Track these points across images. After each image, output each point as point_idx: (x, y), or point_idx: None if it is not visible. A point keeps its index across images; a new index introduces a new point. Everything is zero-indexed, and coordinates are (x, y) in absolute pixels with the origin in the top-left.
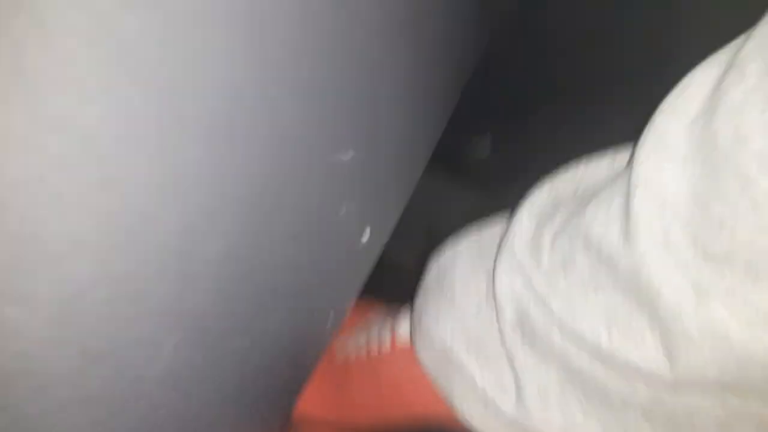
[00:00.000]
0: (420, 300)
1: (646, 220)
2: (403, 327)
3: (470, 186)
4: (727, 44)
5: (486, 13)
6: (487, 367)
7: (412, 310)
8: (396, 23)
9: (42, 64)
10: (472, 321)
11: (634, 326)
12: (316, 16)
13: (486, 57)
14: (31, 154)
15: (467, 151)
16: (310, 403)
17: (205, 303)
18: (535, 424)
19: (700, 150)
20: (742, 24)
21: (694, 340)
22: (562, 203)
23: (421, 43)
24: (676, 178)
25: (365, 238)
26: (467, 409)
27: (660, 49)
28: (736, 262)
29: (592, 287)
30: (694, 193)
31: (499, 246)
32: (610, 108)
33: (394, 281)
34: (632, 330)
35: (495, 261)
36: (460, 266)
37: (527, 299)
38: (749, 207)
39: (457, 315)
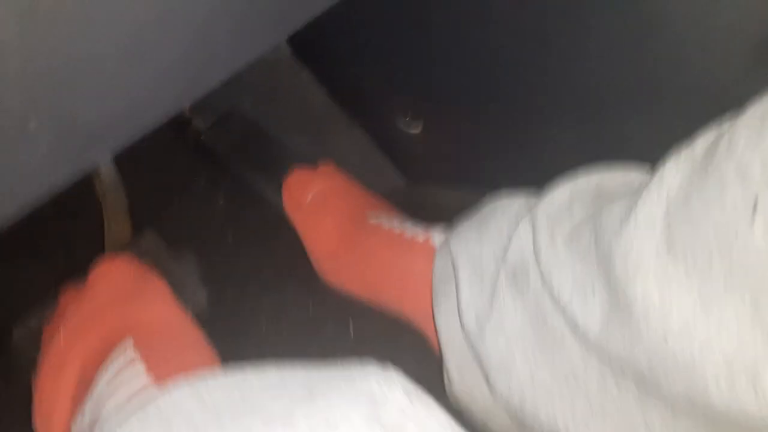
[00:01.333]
0: (463, 223)
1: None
2: (437, 233)
3: None
4: None
5: None
6: (475, 292)
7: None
8: None
9: None
10: (486, 253)
11: (590, 288)
12: None
13: None
14: None
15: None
16: (328, 236)
17: None
18: (483, 350)
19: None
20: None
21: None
22: (587, 204)
23: None
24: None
25: None
26: (443, 315)
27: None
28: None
29: (586, 270)
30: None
31: (535, 205)
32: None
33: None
34: (587, 295)
35: (522, 217)
36: (501, 210)
37: (531, 260)
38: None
39: (476, 246)
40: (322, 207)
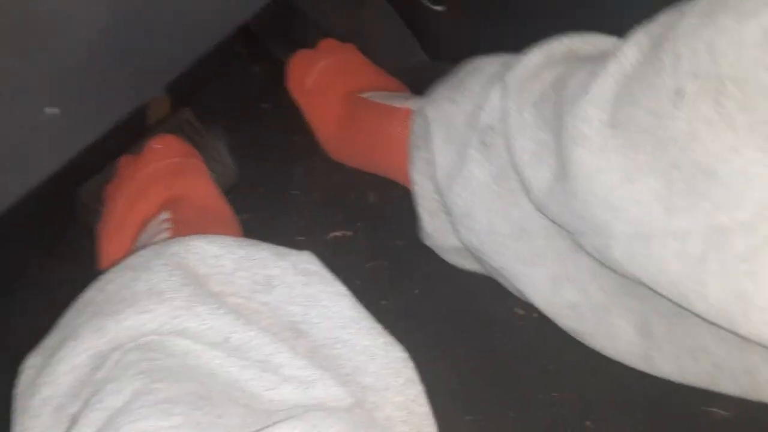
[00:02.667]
0: (440, 85)
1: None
2: (416, 101)
3: None
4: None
5: None
6: (447, 148)
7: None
8: None
9: None
10: (459, 113)
11: (545, 157)
12: None
13: None
14: None
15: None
16: (327, 118)
17: None
18: (450, 198)
19: None
20: None
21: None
22: (558, 64)
23: None
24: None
25: None
26: (416, 168)
27: None
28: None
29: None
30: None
31: (509, 69)
32: None
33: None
34: (542, 161)
35: (496, 80)
36: (477, 73)
37: (500, 121)
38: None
39: (450, 106)
40: (321, 90)
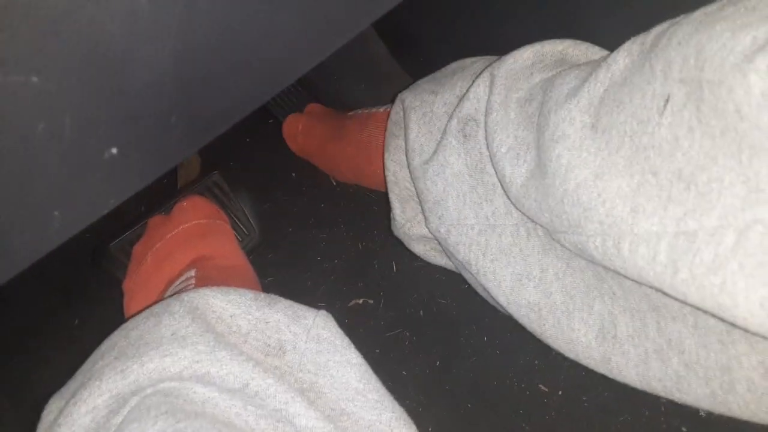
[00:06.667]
0: (423, 79)
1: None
2: (395, 108)
3: None
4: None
5: None
6: (424, 135)
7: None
8: None
9: None
10: (439, 102)
11: (522, 152)
12: None
13: None
14: None
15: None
16: (319, 146)
17: None
18: (423, 185)
19: None
20: None
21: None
22: (548, 66)
23: None
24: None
25: None
26: (391, 154)
27: None
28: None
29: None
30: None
31: (496, 62)
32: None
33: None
34: (519, 156)
35: (485, 69)
36: (462, 70)
37: (483, 114)
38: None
39: (429, 96)
40: (309, 132)
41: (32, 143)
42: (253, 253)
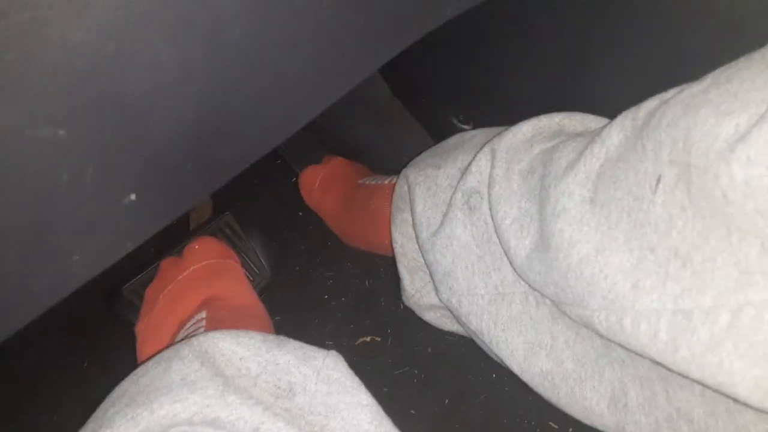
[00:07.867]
0: (424, 153)
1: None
2: (399, 182)
3: None
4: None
5: None
6: (428, 206)
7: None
8: None
9: None
10: (442, 176)
11: (526, 225)
12: None
13: None
14: None
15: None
16: (333, 210)
17: None
18: (432, 257)
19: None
20: None
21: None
22: (547, 138)
23: None
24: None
25: None
26: (398, 227)
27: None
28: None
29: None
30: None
31: (496, 138)
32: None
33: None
34: (523, 228)
35: (486, 144)
36: (464, 143)
37: (486, 186)
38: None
39: (433, 170)
40: (326, 189)
41: (57, 192)
42: (265, 293)
